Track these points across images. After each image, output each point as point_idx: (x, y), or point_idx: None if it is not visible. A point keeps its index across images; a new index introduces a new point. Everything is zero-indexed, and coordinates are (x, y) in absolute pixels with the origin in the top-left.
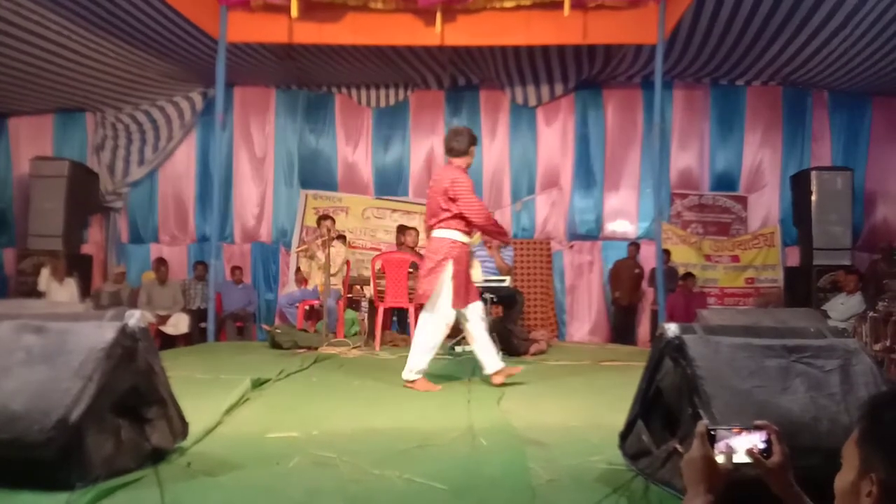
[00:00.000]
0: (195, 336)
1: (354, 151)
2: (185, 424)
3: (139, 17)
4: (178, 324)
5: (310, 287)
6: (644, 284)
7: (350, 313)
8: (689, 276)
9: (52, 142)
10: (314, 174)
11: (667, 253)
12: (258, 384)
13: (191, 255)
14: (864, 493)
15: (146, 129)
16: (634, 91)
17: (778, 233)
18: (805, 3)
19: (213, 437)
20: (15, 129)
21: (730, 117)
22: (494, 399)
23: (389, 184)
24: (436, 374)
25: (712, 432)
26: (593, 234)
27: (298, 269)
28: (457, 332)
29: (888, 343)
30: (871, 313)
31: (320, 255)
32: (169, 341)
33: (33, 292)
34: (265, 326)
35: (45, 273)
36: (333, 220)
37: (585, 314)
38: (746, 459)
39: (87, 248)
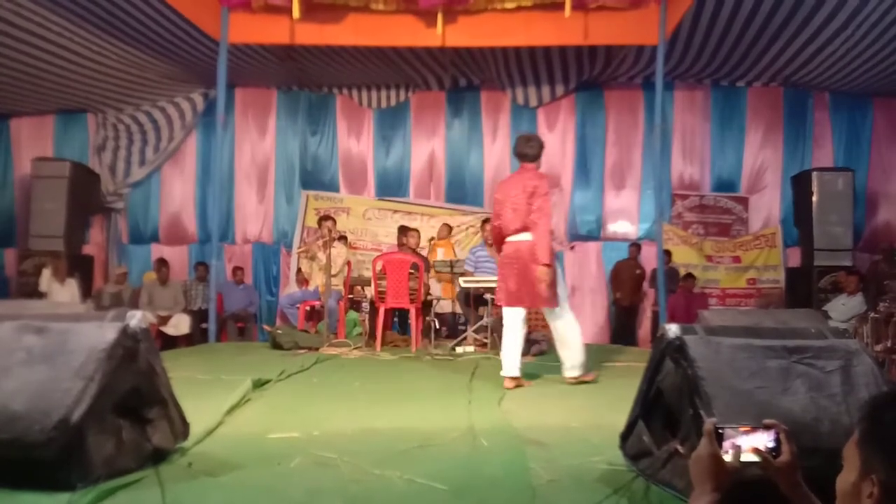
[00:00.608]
0: (196, 337)
1: (355, 152)
2: (186, 425)
3: (140, 18)
4: (180, 324)
5: (311, 288)
6: (645, 285)
7: (351, 314)
8: (689, 276)
9: (54, 142)
10: (315, 175)
11: (668, 254)
12: (259, 385)
13: (192, 256)
14: (864, 495)
15: (147, 129)
16: (635, 92)
17: (779, 233)
18: (806, 4)
19: (214, 437)
20: (16, 129)
21: (731, 118)
22: (495, 399)
23: (390, 184)
24: (436, 374)
25: (720, 431)
26: (594, 234)
27: (299, 270)
28: (458, 333)
29: (889, 344)
30: (872, 314)
31: (321, 255)
32: (170, 342)
33: (34, 293)
34: (266, 327)
35: (46, 274)
36: (334, 221)
37: (586, 315)
38: (754, 458)
39: (88, 249)
